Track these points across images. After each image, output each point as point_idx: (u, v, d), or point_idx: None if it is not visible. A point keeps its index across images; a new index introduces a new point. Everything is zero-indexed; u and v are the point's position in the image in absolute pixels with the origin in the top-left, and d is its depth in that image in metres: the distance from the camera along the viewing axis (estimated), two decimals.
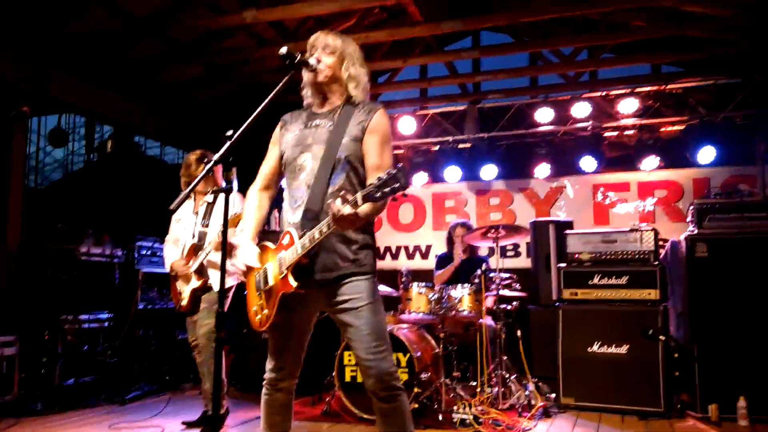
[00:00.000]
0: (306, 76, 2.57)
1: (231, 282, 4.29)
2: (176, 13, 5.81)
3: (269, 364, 2.60)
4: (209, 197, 4.26)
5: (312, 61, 2.50)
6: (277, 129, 2.70)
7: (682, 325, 5.13)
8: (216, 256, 4.12)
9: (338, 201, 2.15)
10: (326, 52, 2.53)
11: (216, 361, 2.21)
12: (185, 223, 4.44)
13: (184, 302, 4.32)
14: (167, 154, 13.30)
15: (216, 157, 2.15)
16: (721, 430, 4.12)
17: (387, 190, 2.09)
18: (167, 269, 4.45)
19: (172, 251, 4.48)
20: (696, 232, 4.96)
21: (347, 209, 2.13)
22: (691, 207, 5.12)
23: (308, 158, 2.50)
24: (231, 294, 4.36)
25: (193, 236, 4.33)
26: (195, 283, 4.22)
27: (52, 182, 13.36)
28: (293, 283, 2.38)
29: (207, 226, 4.32)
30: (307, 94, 2.63)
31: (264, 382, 2.61)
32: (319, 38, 2.56)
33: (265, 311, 2.50)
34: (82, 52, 6.02)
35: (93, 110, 6.86)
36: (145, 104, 7.01)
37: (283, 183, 2.64)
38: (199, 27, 5.91)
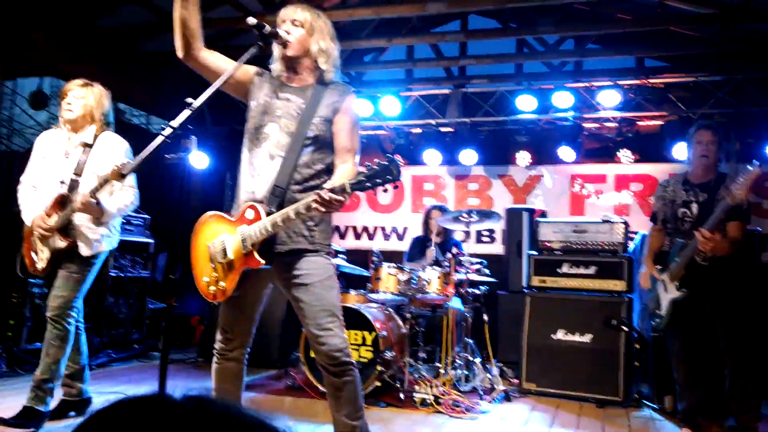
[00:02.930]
0: (276, 49, 2.57)
1: (105, 248, 3.55)
2: None
3: (220, 335, 2.61)
4: (87, 135, 3.50)
5: (281, 32, 2.50)
6: (254, 74, 2.65)
7: (645, 318, 5.21)
8: (84, 217, 3.41)
9: (327, 187, 2.18)
10: (295, 24, 2.54)
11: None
12: (52, 164, 3.51)
13: (40, 264, 3.47)
14: (152, 123, 13.21)
15: (175, 123, 2.14)
16: (674, 421, 4.20)
17: (378, 180, 2.12)
18: (26, 221, 3.52)
19: (31, 198, 3.54)
20: None
21: (336, 196, 2.15)
22: None
23: (275, 129, 2.50)
24: (100, 263, 3.57)
25: (62, 183, 3.45)
26: (59, 242, 3.38)
27: None
28: (261, 260, 2.37)
29: (80, 174, 3.45)
30: (277, 67, 2.62)
31: (215, 351, 2.62)
32: (288, 11, 2.56)
33: (222, 284, 2.47)
34: (64, 16, 5.93)
35: (73, 74, 6.76)
36: (128, 73, 6.93)
37: (243, 148, 2.61)
38: None
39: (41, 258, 3.47)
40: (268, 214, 2.37)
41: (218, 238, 2.48)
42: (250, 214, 2.42)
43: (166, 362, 2.00)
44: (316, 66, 2.57)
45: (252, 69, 2.64)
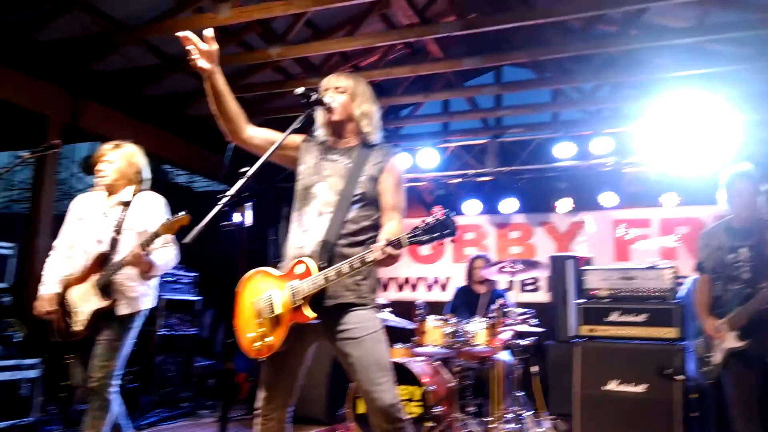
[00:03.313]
0: (321, 115, 2.68)
1: (144, 306, 3.48)
2: None
3: (262, 394, 2.60)
4: (125, 195, 3.49)
5: (327, 99, 2.61)
6: (301, 141, 2.76)
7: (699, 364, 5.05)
8: (129, 274, 3.35)
9: (383, 242, 2.26)
10: (338, 91, 2.66)
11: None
12: (90, 224, 3.47)
13: (77, 326, 3.33)
14: (195, 181, 13.60)
15: (231, 192, 2.24)
16: None
17: (436, 234, 2.20)
18: (42, 290, 3.43)
19: (62, 262, 3.51)
20: None
21: (393, 250, 2.25)
22: None
23: (324, 188, 2.58)
24: (139, 325, 3.50)
25: (100, 242, 3.39)
26: (98, 302, 3.30)
27: None
28: (311, 314, 2.39)
29: (119, 231, 3.40)
30: (322, 132, 2.74)
31: (256, 412, 2.61)
32: (330, 80, 2.70)
33: (269, 339, 2.48)
34: (113, 84, 6.26)
35: (122, 139, 7.08)
36: (174, 135, 7.22)
37: (293, 208, 2.69)
38: (229, 63, 6.10)
39: (77, 320, 3.34)
40: (320, 269, 2.42)
41: (265, 294, 2.52)
42: (300, 269, 2.46)
43: (225, 423, 2.03)
44: (359, 129, 2.68)
45: (299, 137, 2.75)
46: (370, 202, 2.58)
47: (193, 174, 10.86)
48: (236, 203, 2.22)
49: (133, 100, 6.54)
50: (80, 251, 3.45)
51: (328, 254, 2.46)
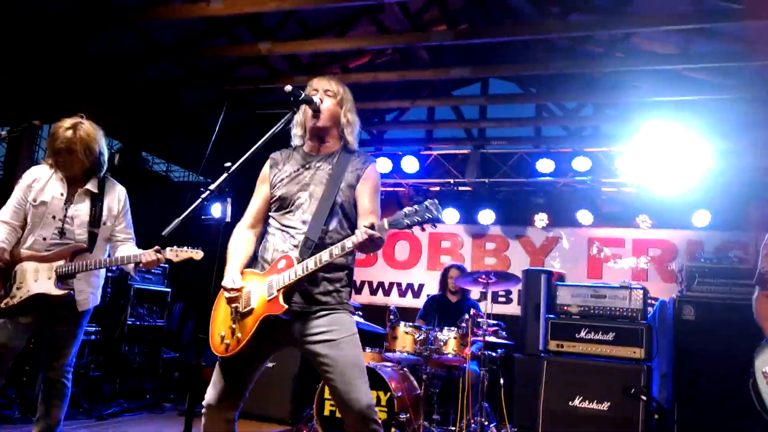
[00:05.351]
0: (305, 115, 2.65)
1: (93, 303, 3.38)
2: (197, 41, 5.98)
3: (214, 390, 2.54)
4: (92, 185, 3.33)
5: (316, 99, 2.59)
6: (267, 167, 2.73)
7: (665, 387, 5.14)
8: (96, 271, 3.32)
9: (365, 225, 2.26)
10: (328, 94, 2.64)
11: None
12: (50, 211, 3.27)
13: (13, 299, 3.18)
14: (173, 171, 13.46)
15: (212, 186, 2.22)
16: None
17: (417, 218, 2.19)
18: None
19: (8, 232, 3.28)
20: (684, 294, 5.00)
21: (374, 232, 2.24)
22: (681, 269, 5.18)
23: (306, 197, 2.58)
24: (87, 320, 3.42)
25: (61, 234, 3.26)
26: (49, 288, 3.17)
27: None
28: (283, 303, 2.38)
29: (97, 225, 3.31)
30: (298, 133, 2.71)
31: (204, 409, 2.55)
32: (321, 81, 2.67)
33: (237, 335, 2.47)
34: (97, 67, 6.17)
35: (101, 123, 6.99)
36: (155, 123, 7.13)
37: (271, 214, 2.67)
38: (216, 55, 6.05)
39: (16, 294, 3.18)
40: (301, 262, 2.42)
41: (245, 290, 2.51)
42: (281, 264, 2.47)
43: (192, 418, 2.01)
44: (341, 135, 2.68)
45: (265, 174, 2.72)
46: (350, 208, 2.60)
47: (171, 163, 10.76)
48: (217, 197, 2.19)
49: (116, 85, 6.45)
50: (36, 235, 3.25)
51: (310, 251, 2.45)
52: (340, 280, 2.53)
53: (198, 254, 3.14)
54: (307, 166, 2.65)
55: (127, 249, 3.34)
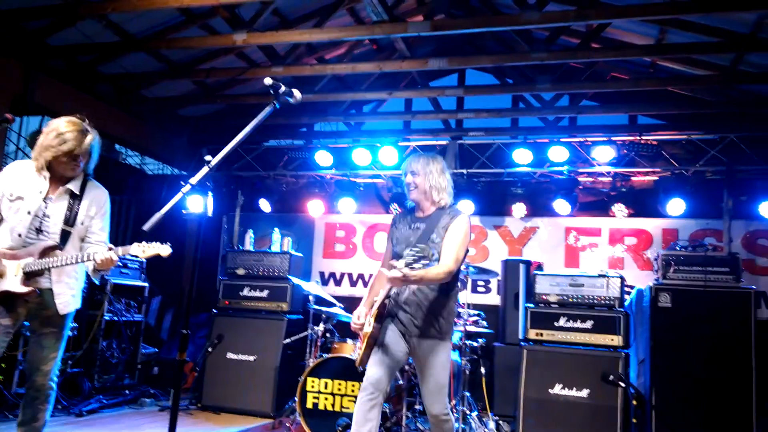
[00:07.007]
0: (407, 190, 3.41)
1: (75, 306, 3.28)
2: (170, 32, 5.89)
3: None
4: (75, 184, 3.22)
5: (408, 181, 3.34)
6: (391, 227, 3.53)
7: (642, 373, 5.22)
8: (77, 274, 3.24)
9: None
10: (414, 176, 3.34)
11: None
12: (26, 207, 3.14)
13: None
14: (147, 164, 13.30)
15: (193, 180, 2.19)
16: None
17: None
18: None
19: None
20: (660, 281, 5.08)
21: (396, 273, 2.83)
22: (657, 257, 5.26)
23: (408, 252, 3.05)
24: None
25: (38, 231, 3.16)
26: (15, 286, 3.06)
27: None
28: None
29: (72, 224, 3.19)
30: (411, 203, 3.45)
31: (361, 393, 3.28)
32: (410, 163, 3.39)
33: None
34: (69, 59, 6.06)
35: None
36: (128, 115, 7.03)
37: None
38: (191, 46, 5.96)
39: None
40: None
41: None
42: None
43: (176, 413, 1.99)
44: (433, 198, 3.34)
45: (390, 233, 3.51)
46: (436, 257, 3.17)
47: (145, 156, 10.60)
48: (201, 193, 2.16)
49: (88, 77, 6.34)
50: (11, 230, 3.13)
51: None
52: (450, 314, 3.37)
53: (166, 250, 3.02)
54: (412, 227, 3.39)
55: (93, 249, 3.20)
